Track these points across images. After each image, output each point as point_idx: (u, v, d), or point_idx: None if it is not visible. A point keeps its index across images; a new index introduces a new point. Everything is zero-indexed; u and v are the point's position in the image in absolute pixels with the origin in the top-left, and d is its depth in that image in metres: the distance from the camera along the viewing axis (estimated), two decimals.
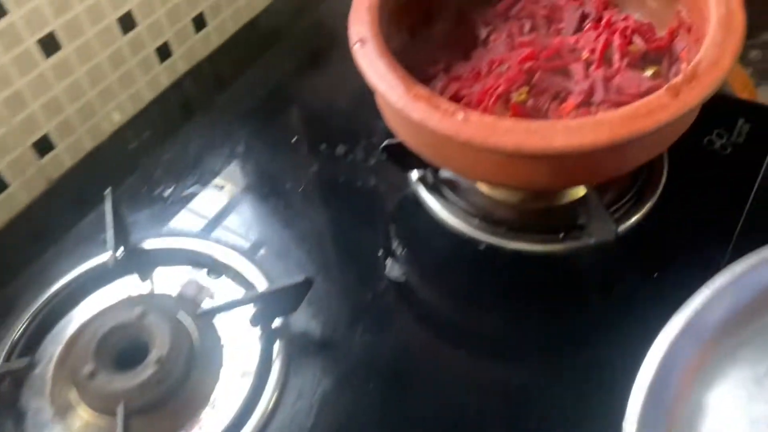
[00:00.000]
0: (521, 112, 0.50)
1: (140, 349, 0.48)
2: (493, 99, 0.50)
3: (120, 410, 0.45)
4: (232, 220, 0.61)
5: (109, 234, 0.55)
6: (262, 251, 0.58)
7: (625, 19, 0.56)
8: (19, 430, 0.47)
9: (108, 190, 0.57)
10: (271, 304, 0.51)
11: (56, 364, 0.51)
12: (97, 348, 0.48)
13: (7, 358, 0.51)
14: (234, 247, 0.57)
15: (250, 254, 0.57)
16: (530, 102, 0.51)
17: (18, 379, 0.50)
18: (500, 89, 0.51)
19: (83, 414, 0.48)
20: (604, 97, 0.51)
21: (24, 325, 0.53)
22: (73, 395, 0.48)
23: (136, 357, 0.48)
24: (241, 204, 0.62)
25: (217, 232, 0.60)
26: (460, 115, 0.43)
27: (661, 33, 0.55)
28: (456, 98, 0.52)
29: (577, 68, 0.53)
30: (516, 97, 0.51)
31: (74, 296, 0.55)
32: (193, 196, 0.63)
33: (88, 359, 0.47)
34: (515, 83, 0.52)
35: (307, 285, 0.50)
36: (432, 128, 0.43)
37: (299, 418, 0.47)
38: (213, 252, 0.56)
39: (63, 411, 0.48)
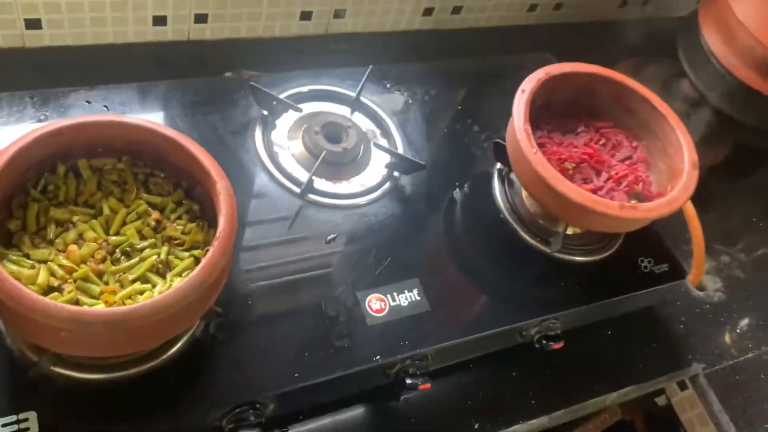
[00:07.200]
0: (564, 173, 0.97)
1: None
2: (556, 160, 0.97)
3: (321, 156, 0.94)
4: None
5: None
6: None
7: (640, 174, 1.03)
8: None
9: None
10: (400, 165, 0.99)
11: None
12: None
13: None
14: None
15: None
16: (571, 172, 0.98)
17: None
18: (563, 156, 0.97)
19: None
20: (604, 195, 0.97)
21: None
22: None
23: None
24: None
25: None
26: None
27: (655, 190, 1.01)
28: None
29: (603, 175, 0.99)
30: (568, 165, 0.98)
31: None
32: None
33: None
34: (573, 160, 0.98)
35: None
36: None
37: None
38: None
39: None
